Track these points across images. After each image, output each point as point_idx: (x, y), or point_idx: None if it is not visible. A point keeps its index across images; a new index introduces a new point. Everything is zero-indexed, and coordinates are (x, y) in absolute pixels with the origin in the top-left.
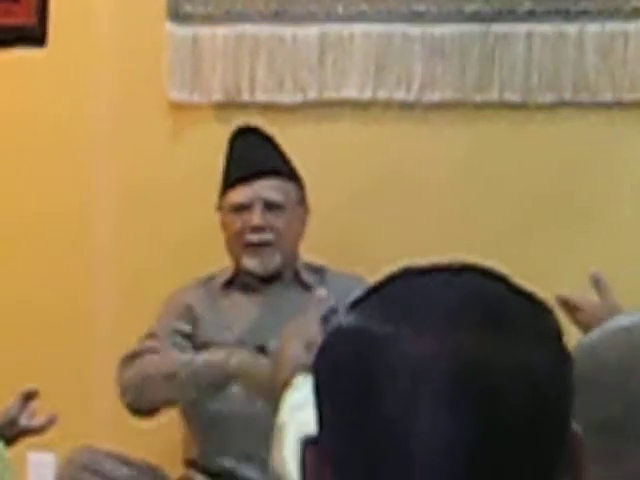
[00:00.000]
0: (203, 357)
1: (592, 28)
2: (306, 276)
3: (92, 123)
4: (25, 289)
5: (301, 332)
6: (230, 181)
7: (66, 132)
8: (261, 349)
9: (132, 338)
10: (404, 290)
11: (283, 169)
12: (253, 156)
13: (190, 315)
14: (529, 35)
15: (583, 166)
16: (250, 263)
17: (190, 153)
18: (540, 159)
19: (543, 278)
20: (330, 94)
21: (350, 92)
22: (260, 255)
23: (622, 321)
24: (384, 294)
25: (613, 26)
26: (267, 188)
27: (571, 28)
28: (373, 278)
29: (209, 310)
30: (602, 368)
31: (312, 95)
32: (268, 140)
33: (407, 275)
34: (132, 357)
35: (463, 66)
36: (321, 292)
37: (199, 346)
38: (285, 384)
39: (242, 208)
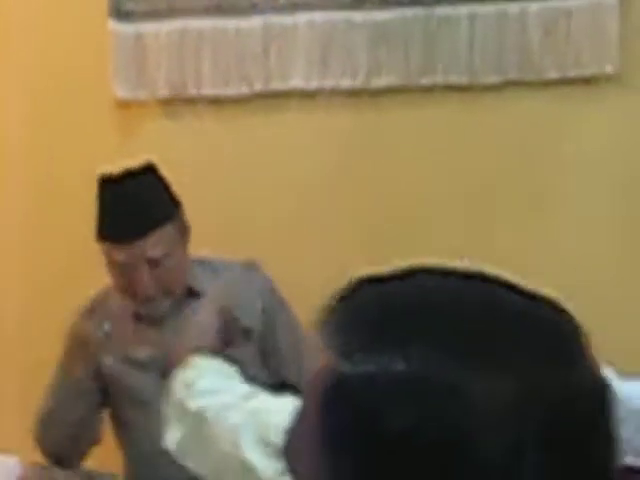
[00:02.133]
0: None
1: (534, 6)
2: (198, 284)
3: (38, 123)
4: None
5: (217, 296)
6: (106, 238)
7: (11, 131)
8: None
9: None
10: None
11: (160, 215)
12: (128, 213)
13: (87, 356)
14: (471, 16)
15: (531, 144)
16: (141, 309)
17: (139, 150)
18: (488, 139)
19: (495, 261)
20: (276, 85)
21: (296, 82)
22: (151, 305)
23: None
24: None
25: (555, 3)
26: (147, 246)
27: (513, 7)
28: (325, 270)
29: (107, 343)
30: None
31: (258, 87)
32: (140, 182)
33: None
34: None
35: (407, 51)
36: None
37: (107, 376)
38: (190, 350)
39: (125, 265)
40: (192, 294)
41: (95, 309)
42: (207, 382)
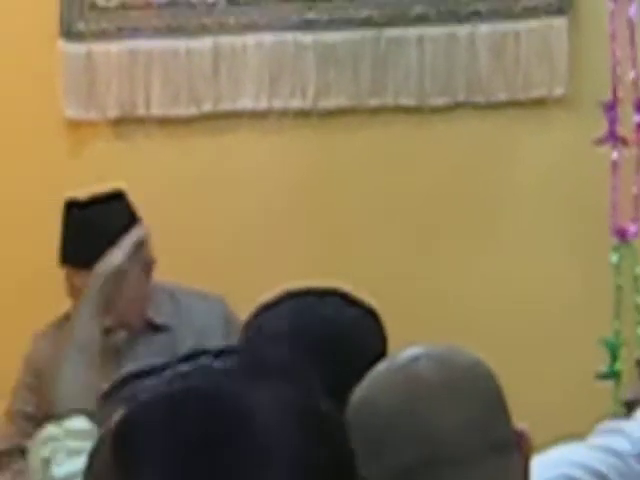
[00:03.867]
0: None
1: (483, 29)
2: (158, 317)
3: None
4: None
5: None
6: (68, 261)
7: None
8: None
9: None
10: None
11: None
12: (92, 239)
13: (37, 386)
14: (421, 39)
15: (480, 166)
16: None
17: (89, 171)
18: (437, 161)
19: (444, 282)
20: (225, 105)
21: (245, 102)
22: (106, 336)
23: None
24: None
25: (504, 26)
26: None
27: (462, 30)
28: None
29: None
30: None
31: (207, 107)
32: (108, 208)
33: None
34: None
35: (357, 72)
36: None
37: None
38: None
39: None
40: (151, 327)
41: (51, 334)
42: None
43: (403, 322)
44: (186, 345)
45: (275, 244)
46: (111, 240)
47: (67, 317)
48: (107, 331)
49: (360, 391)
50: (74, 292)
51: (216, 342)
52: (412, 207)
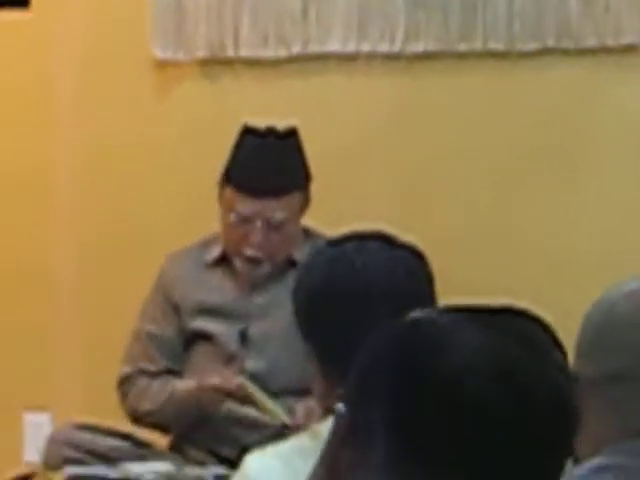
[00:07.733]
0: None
1: None
2: (298, 255)
3: (76, 83)
4: None
5: None
6: (235, 185)
7: (49, 92)
8: (243, 334)
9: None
10: None
11: (296, 181)
12: (264, 170)
13: (170, 308)
14: None
15: (568, 113)
16: (241, 267)
17: (177, 110)
18: (525, 107)
19: (529, 227)
20: (314, 48)
21: (334, 45)
22: (253, 266)
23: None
24: None
25: None
26: (272, 207)
27: None
28: None
29: (193, 291)
30: (616, 326)
31: (296, 49)
32: (283, 144)
33: None
34: (127, 380)
35: (446, 16)
36: None
37: (185, 330)
38: None
39: (245, 219)
40: (290, 264)
41: (182, 257)
42: None
43: (483, 268)
44: None
45: (359, 186)
46: (285, 174)
47: (203, 243)
48: (253, 261)
49: (607, 292)
50: (228, 216)
51: None
52: (498, 152)
